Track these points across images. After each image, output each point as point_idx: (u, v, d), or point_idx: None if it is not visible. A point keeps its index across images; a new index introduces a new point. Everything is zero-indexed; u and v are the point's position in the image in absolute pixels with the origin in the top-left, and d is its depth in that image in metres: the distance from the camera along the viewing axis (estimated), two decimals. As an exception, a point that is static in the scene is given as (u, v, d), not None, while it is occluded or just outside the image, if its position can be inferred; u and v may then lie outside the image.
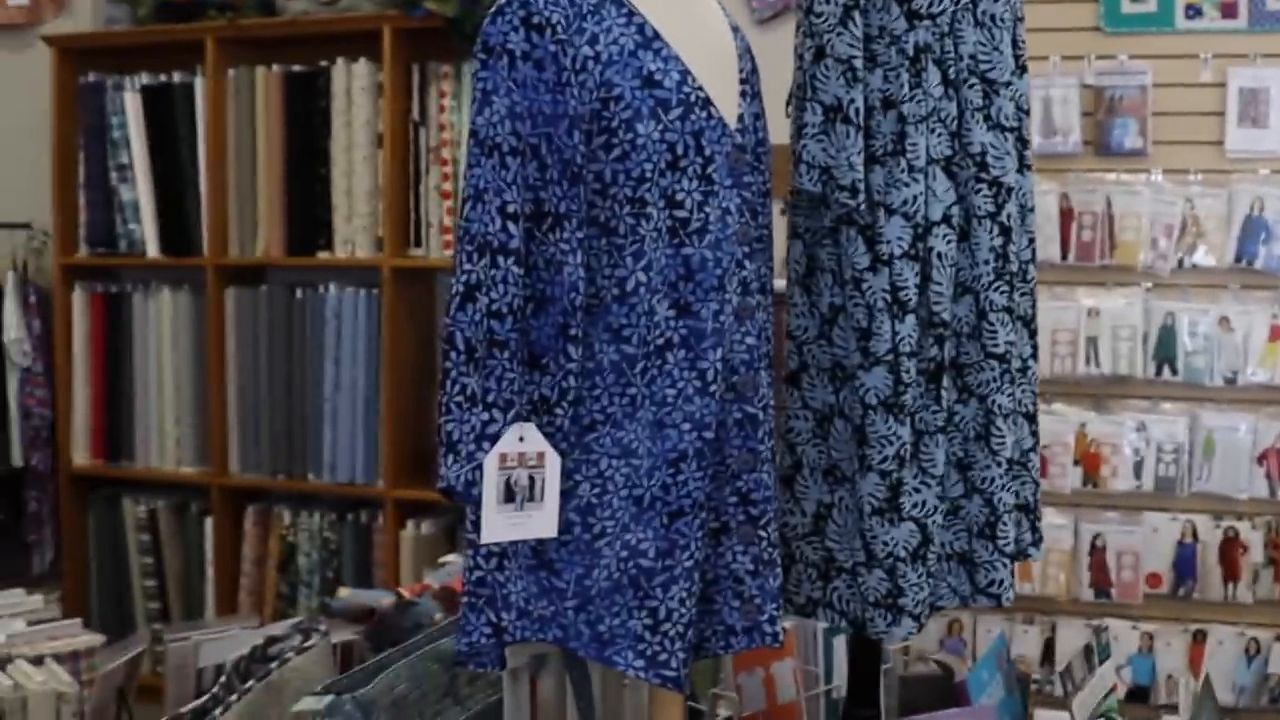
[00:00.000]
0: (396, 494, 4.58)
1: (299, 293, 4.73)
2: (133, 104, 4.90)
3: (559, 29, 2.01)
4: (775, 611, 2.22)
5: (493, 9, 2.04)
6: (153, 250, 4.90)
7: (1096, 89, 4.12)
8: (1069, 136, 4.12)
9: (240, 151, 4.77)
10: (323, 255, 4.69)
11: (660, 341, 2.07)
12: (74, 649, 3.39)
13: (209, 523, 4.88)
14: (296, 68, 4.73)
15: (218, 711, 2.37)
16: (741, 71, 2.22)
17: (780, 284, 2.38)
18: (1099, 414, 4.14)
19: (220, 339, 4.80)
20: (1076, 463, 4.12)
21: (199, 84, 4.82)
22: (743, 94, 2.20)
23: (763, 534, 2.20)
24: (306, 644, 2.55)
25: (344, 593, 2.76)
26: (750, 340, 2.16)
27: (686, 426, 2.09)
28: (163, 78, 4.91)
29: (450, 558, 3.03)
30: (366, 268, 4.62)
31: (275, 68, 4.74)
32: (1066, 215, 4.12)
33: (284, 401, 4.75)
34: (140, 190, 4.90)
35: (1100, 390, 4.17)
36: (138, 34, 4.95)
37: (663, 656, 2.09)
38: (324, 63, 4.68)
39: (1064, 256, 4.13)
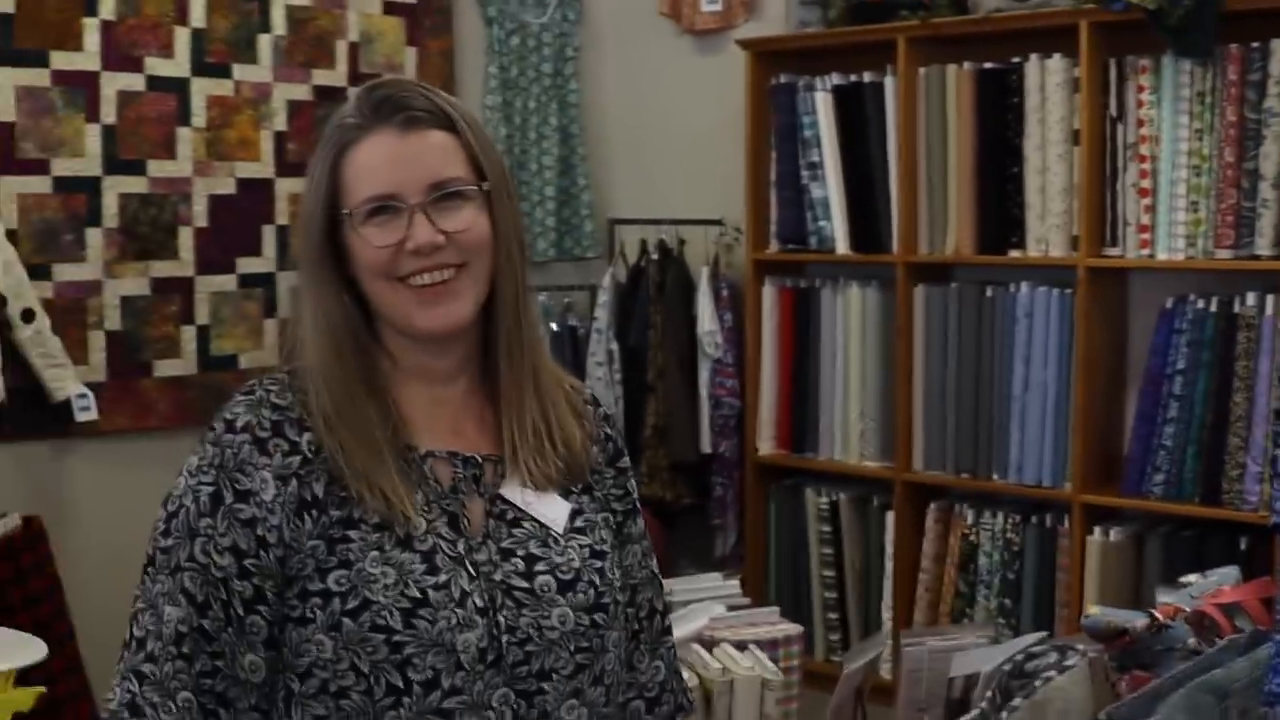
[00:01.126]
0: (1084, 498, 4.49)
1: (989, 291, 4.71)
2: (823, 103, 5.01)
3: None
4: None
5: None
6: (842, 247, 5.00)
7: None
8: None
9: (930, 149, 4.80)
10: (1014, 253, 4.65)
11: None
12: (773, 637, 3.50)
13: (890, 517, 4.94)
14: (988, 65, 4.71)
15: (987, 726, 2.38)
16: None
17: None
18: None
19: (908, 335, 4.85)
20: None
21: (889, 83, 4.88)
22: None
23: None
24: (1066, 663, 2.53)
25: (1094, 610, 2.70)
26: None
27: None
28: (853, 77, 4.99)
29: (1191, 578, 2.93)
30: (1060, 266, 4.55)
31: (966, 65, 4.73)
32: None
33: (970, 399, 4.75)
34: (830, 188, 5.01)
35: None
36: (829, 35, 5.05)
37: None
38: (1016, 59, 4.64)
39: None
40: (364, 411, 1.83)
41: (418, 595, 1.76)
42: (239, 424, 1.81)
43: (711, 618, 3.53)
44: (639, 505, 2.05)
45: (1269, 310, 4.17)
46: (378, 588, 1.76)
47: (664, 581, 3.88)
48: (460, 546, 1.82)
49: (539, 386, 1.94)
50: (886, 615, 4.92)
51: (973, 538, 4.75)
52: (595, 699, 1.87)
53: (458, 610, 1.78)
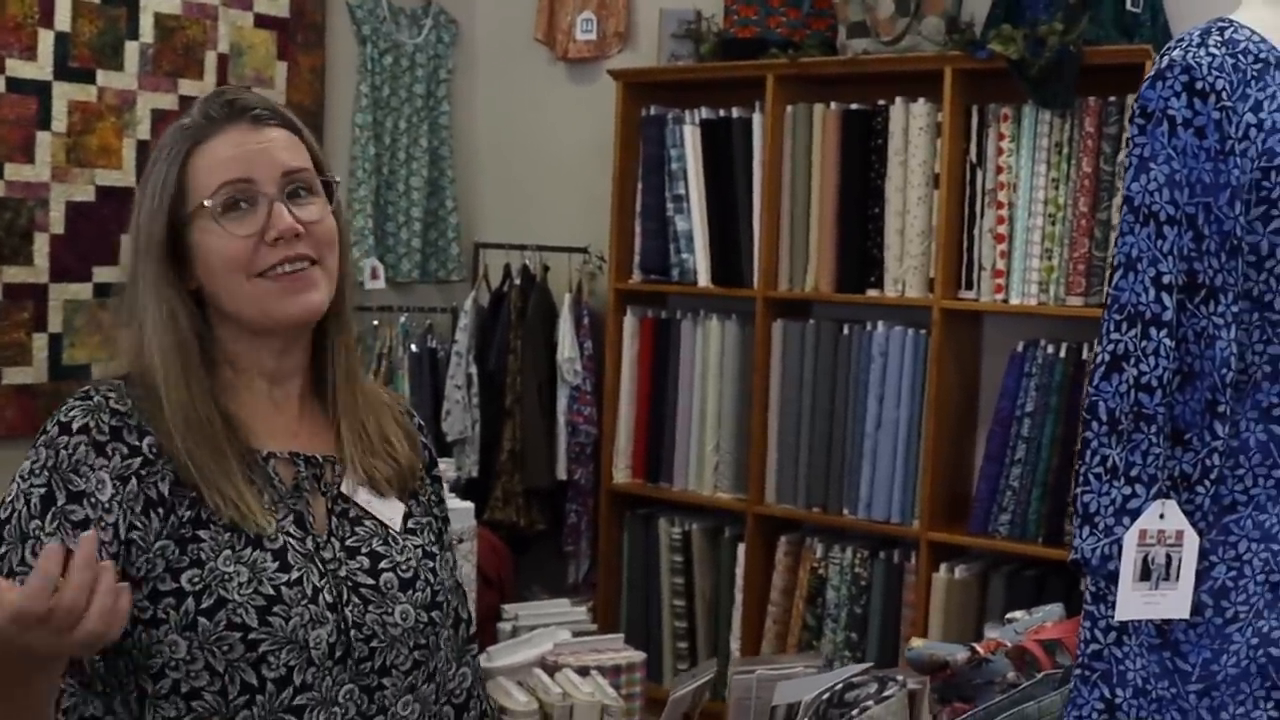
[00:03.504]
0: (932, 536, 4.55)
1: (846, 328, 4.76)
2: (691, 137, 5.05)
3: (1223, 95, 1.95)
4: (1404, 712, 2.10)
5: (1152, 73, 1.99)
6: (704, 280, 5.03)
7: None
8: None
9: (794, 187, 4.85)
10: (872, 293, 4.71)
11: (1311, 423, 1.99)
12: (616, 663, 3.51)
13: (741, 549, 4.96)
14: (854, 106, 4.77)
15: (800, 753, 2.40)
16: None
17: None
18: None
19: (765, 369, 4.89)
20: None
21: (757, 119, 4.92)
22: None
23: (1396, 632, 2.08)
24: (885, 693, 2.55)
25: (918, 643, 2.74)
26: (1402, 430, 2.05)
27: (1330, 513, 2.00)
28: (721, 112, 5.03)
29: (1016, 614, 2.98)
30: (916, 307, 4.61)
31: (833, 105, 4.79)
32: None
33: (824, 435, 4.79)
34: (694, 221, 5.04)
35: None
36: (700, 70, 5.09)
37: (1285, 751, 2.00)
38: (882, 102, 4.70)
39: None
40: (208, 415, 1.83)
41: (271, 592, 1.77)
42: (75, 426, 1.79)
43: (556, 643, 3.53)
44: (448, 516, 2.07)
45: (1115, 357, 4.24)
46: (232, 586, 1.76)
47: (512, 606, 3.89)
48: (308, 544, 1.84)
49: (365, 393, 1.99)
50: (735, 645, 4.93)
51: (821, 571, 4.79)
52: (428, 695, 1.92)
53: (310, 607, 1.79)
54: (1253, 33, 2.02)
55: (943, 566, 4.53)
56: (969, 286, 4.55)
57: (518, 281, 5.36)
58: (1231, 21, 2.05)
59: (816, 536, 4.86)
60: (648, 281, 5.19)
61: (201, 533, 1.79)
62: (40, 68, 4.67)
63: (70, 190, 4.75)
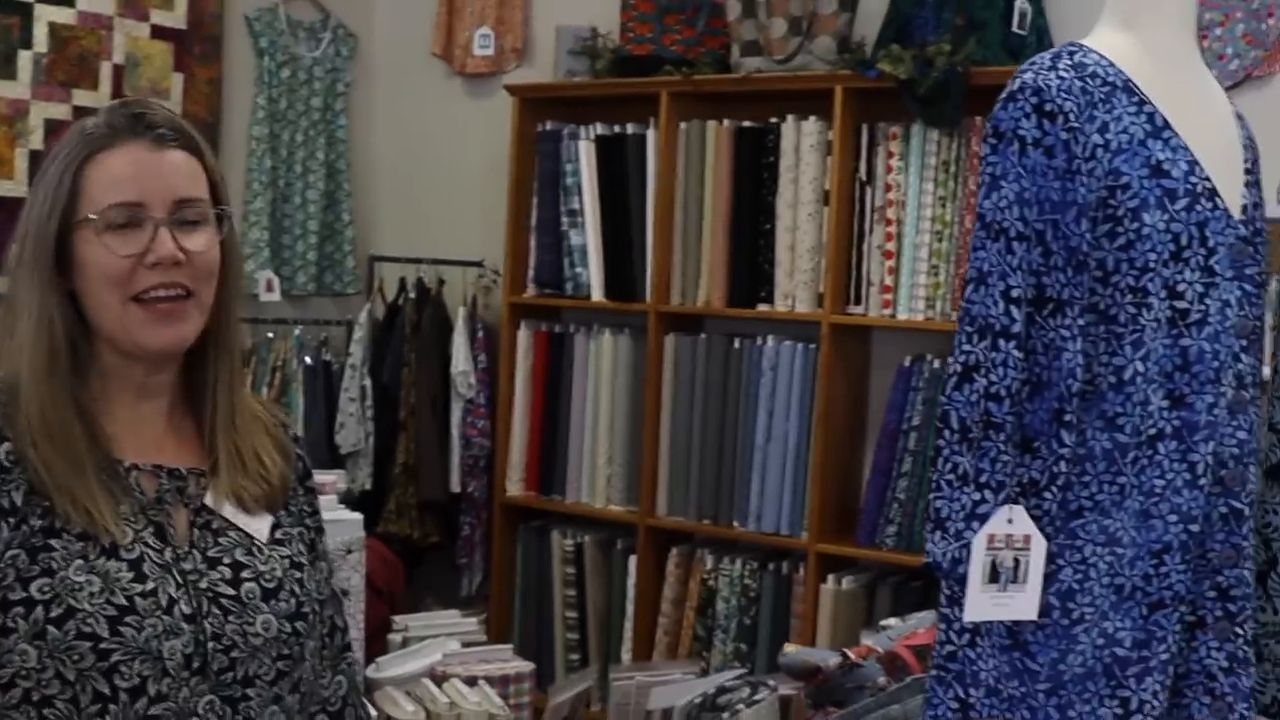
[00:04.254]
0: (820, 547, 4.61)
1: (736, 342, 4.82)
2: (586, 152, 5.09)
3: (1071, 117, 2.02)
4: (1246, 711, 2.18)
5: (1004, 94, 2.06)
6: (597, 294, 5.08)
7: None
8: None
9: (688, 203, 4.90)
10: (763, 307, 4.77)
11: (1152, 432, 2.06)
12: (505, 674, 3.54)
13: (633, 561, 5.01)
14: (747, 123, 4.84)
15: (673, 756, 2.44)
16: (1246, 161, 2.19)
17: (1267, 373, 2.33)
18: None
19: (658, 383, 4.94)
20: None
21: (651, 135, 4.98)
22: (1246, 184, 2.17)
23: (1239, 631, 2.16)
24: (755, 697, 2.61)
25: (791, 649, 2.80)
26: (1241, 434, 2.13)
27: (1173, 518, 2.07)
28: (616, 128, 5.08)
29: (891, 621, 3.05)
30: (806, 322, 4.68)
31: (726, 122, 4.85)
32: None
33: (715, 448, 4.85)
34: (589, 236, 5.09)
35: None
36: (595, 86, 5.13)
37: (1131, 748, 2.07)
38: (774, 119, 4.77)
39: None
40: (69, 424, 1.82)
41: (124, 603, 1.77)
42: None
43: (445, 653, 3.54)
44: (324, 525, 2.08)
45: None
46: (83, 595, 1.76)
47: (402, 618, 3.89)
48: (167, 555, 1.83)
49: (241, 414, 1.97)
50: (627, 656, 4.96)
51: (712, 583, 4.84)
52: (292, 706, 1.91)
53: (164, 617, 1.78)
54: (1101, 56, 2.10)
55: (830, 578, 4.59)
56: (858, 302, 4.62)
57: (413, 295, 5.38)
58: (1081, 46, 2.12)
59: (707, 548, 4.91)
60: (542, 295, 5.23)
61: (53, 541, 1.78)
62: (-70, 76, 4.66)
63: (-39, 199, 4.73)
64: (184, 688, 1.79)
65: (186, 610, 1.80)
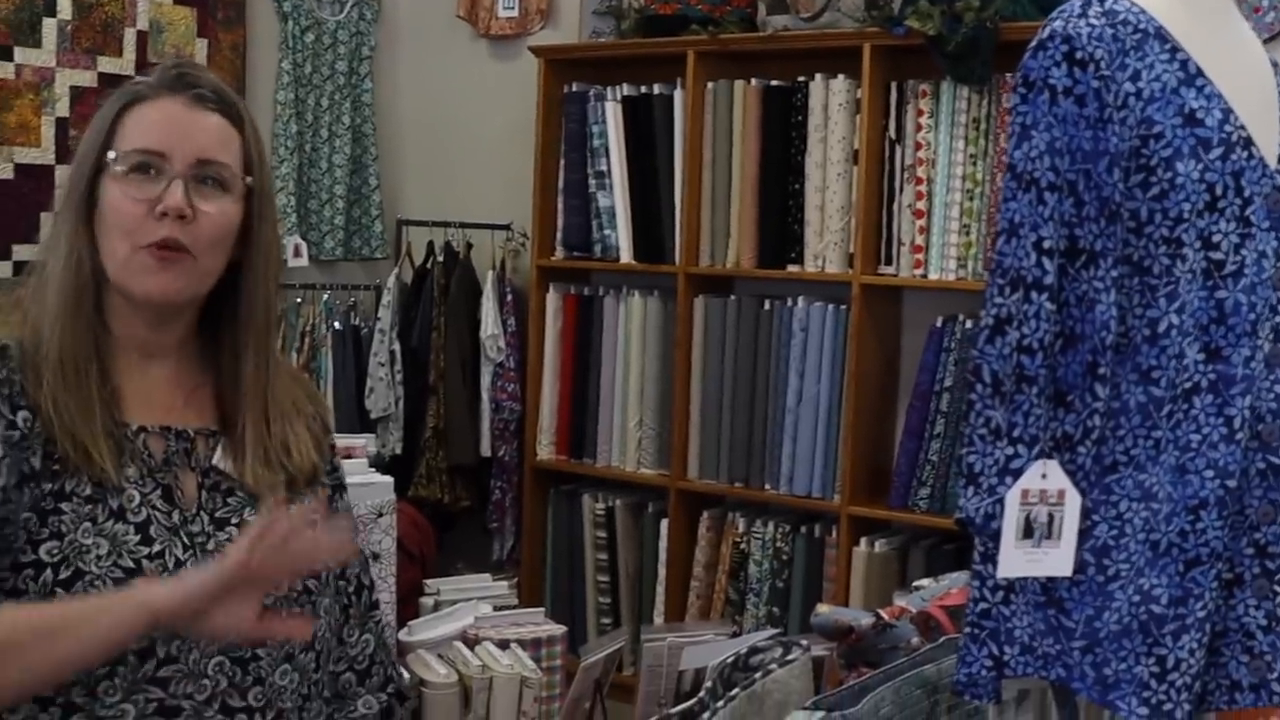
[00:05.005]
0: (852, 510, 4.59)
1: (767, 304, 4.79)
2: (613, 114, 5.06)
3: (1102, 65, 1.98)
4: (1285, 669, 2.15)
5: (1034, 43, 2.02)
6: (626, 256, 5.05)
7: None
8: None
9: (716, 163, 4.87)
10: (792, 268, 4.74)
11: (1188, 385, 2.03)
12: (537, 637, 3.53)
13: (664, 524, 4.99)
14: (775, 82, 4.80)
15: (705, 715, 2.42)
16: None
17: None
18: None
19: (687, 346, 4.91)
20: None
21: (678, 96, 4.94)
22: None
23: (1278, 588, 2.12)
24: (788, 657, 2.58)
25: (824, 609, 2.77)
26: (1279, 389, 2.09)
27: (1209, 474, 2.03)
28: (643, 89, 5.05)
29: (924, 582, 3.02)
30: (836, 283, 4.65)
31: (754, 82, 4.81)
32: None
33: (746, 410, 4.82)
34: (617, 197, 5.06)
35: None
36: (621, 46, 5.11)
37: (1167, 706, 2.04)
38: (802, 78, 4.73)
39: None
40: (87, 361, 1.84)
41: (131, 565, 1.78)
42: None
43: (477, 617, 3.54)
44: (345, 483, 2.08)
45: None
46: (90, 558, 1.77)
47: (434, 581, 3.89)
48: (175, 518, 1.84)
49: (275, 395, 1.96)
50: (659, 620, 4.95)
51: (744, 546, 4.82)
52: (306, 664, 1.92)
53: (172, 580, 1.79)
54: (1133, 3, 2.06)
55: (863, 540, 4.57)
56: (888, 262, 4.59)
57: (441, 259, 5.36)
58: (1112, -7, 2.08)
59: (739, 511, 4.89)
60: (570, 258, 5.20)
61: (63, 505, 1.79)
62: (-45, 45, 4.65)
63: (-13, 168, 4.73)
64: (194, 650, 1.79)
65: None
